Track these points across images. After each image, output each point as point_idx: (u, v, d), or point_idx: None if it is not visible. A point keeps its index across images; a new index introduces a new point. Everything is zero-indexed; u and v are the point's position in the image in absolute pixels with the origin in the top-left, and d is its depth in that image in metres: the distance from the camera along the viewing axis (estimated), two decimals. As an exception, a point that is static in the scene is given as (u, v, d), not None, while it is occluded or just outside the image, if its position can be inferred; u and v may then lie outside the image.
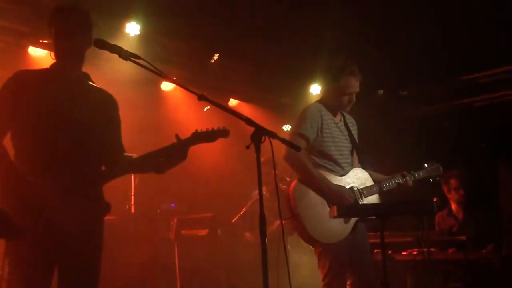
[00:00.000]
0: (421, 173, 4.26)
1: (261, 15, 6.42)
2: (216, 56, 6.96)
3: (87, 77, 3.10)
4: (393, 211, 3.64)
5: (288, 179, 6.54)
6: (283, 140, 2.68)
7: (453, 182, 6.00)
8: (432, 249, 5.17)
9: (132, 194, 6.27)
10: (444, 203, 6.04)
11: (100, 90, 3.13)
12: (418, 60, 6.83)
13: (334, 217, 3.51)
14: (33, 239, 2.65)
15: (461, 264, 5.14)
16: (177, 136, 3.07)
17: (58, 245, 2.74)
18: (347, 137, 4.08)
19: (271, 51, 7.19)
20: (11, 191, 2.69)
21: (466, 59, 6.89)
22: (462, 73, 7.51)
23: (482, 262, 5.13)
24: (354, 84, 4.02)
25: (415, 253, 5.25)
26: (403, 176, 4.10)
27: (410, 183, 4.11)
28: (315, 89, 8.21)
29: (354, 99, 4.05)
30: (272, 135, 2.62)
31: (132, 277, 5.89)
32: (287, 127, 8.91)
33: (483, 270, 5.13)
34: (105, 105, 3.12)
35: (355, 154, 4.11)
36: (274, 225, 5.76)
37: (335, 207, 3.45)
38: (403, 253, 5.36)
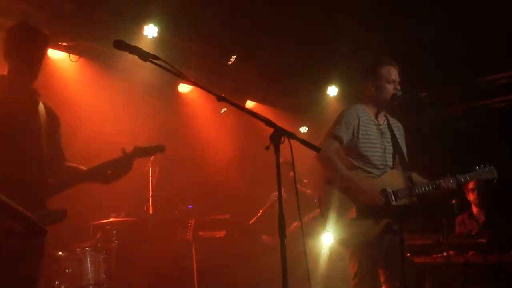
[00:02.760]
0: (467, 177, 4.00)
1: (278, 17, 6.41)
2: (233, 58, 6.96)
3: (36, 92, 3.24)
4: (413, 213, 3.61)
5: (305, 181, 6.52)
6: (302, 141, 2.66)
7: (470, 185, 5.95)
8: (451, 252, 5.12)
9: (150, 195, 6.30)
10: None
11: (48, 105, 3.30)
12: (437, 61, 6.77)
13: (353, 219, 3.49)
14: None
15: (480, 267, 5.08)
16: (123, 150, 3.27)
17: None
18: (389, 139, 4.01)
19: (288, 52, 7.18)
20: None
21: (486, 60, 6.82)
22: (482, 74, 7.43)
23: (502, 266, 5.07)
24: (394, 72, 4.01)
25: (434, 256, 5.20)
26: (444, 179, 3.89)
27: (451, 186, 3.90)
28: (332, 91, 8.19)
29: (399, 88, 3.99)
30: (292, 136, 2.60)
31: (150, 278, 5.92)
32: (303, 129, 8.89)
33: (503, 274, 5.07)
34: (51, 118, 3.27)
35: (397, 157, 4.02)
36: (291, 226, 5.74)
37: (354, 209, 3.43)
38: (422, 255, 5.32)
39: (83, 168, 3.29)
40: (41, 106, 3.21)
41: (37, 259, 3.05)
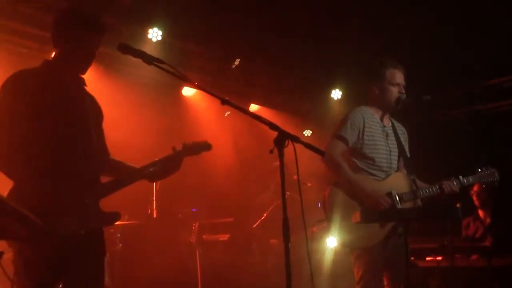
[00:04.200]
0: (470, 179, 4.02)
1: (283, 20, 6.42)
2: (237, 61, 6.97)
3: (83, 81, 3.09)
4: (416, 216, 3.60)
5: (309, 184, 6.51)
6: (306, 145, 2.66)
7: (475, 187, 5.95)
8: (456, 256, 5.10)
9: (154, 198, 6.29)
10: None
11: (91, 95, 3.16)
12: (442, 64, 6.77)
13: (357, 223, 3.48)
14: (39, 247, 2.68)
15: (485, 271, 5.06)
16: (174, 148, 3.18)
17: (64, 252, 2.76)
18: (394, 141, 3.99)
19: (292, 56, 7.18)
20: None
21: (491, 63, 6.81)
22: (486, 78, 7.42)
23: (507, 270, 5.04)
24: (400, 75, 3.98)
25: (438, 259, 5.18)
26: (448, 182, 3.90)
27: (454, 189, 3.90)
28: (336, 94, 8.19)
29: (404, 91, 3.96)
30: (296, 139, 2.60)
31: (154, 282, 5.91)
32: (307, 132, 8.89)
33: (508, 277, 5.05)
34: (96, 110, 3.14)
35: (401, 160, 4.01)
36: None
37: (358, 212, 3.42)
38: (426, 259, 5.30)
39: (130, 165, 3.17)
40: (88, 97, 3.08)
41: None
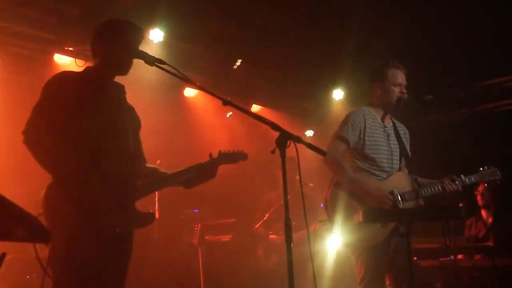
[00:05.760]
0: (472, 178, 4.03)
1: (284, 21, 6.42)
2: (239, 62, 6.97)
3: (123, 88, 3.16)
4: (419, 216, 3.60)
5: (311, 184, 6.51)
6: (308, 145, 2.66)
7: (480, 187, 5.95)
8: (459, 256, 5.10)
9: (156, 199, 6.29)
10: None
11: (130, 105, 3.23)
12: (443, 64, 6.76)
13: (360, 222, 3.48)
14: (75, 245, 2.73)
15: (488, 271, 5.06)
16: (210, 155, 3.29)
17: (98, 251, 2.81)
18: (395, 141, 4.00)
19: (293, 56, 7.18)
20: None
21: (492, 63, 6.80)
22: (487, 78, 7.41)
23: (510, 269, 5.04)
24: (401, 76, 4.00)
25: (441, 259, 5.18)
26: (451, 181, 3.91)
27: (456, 188, 3.91)
28: (338, 94, 8.18)
29: (405, 91, 3.98)
30: (297, 139, 2.60)
31: (156, 282, 5.91)
32: (309, 133, 8.89)
33: (511, 277, 5.04)
34: (134, 117, 3.22)
35: (403, 160, 4.02)
36: (301, 230, 5.69)
37: (360, 212, 3.42)
38: (429, 259, 5.30)
39: (165, 171, 3.26)
40: (127, 105, 3.15)
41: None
